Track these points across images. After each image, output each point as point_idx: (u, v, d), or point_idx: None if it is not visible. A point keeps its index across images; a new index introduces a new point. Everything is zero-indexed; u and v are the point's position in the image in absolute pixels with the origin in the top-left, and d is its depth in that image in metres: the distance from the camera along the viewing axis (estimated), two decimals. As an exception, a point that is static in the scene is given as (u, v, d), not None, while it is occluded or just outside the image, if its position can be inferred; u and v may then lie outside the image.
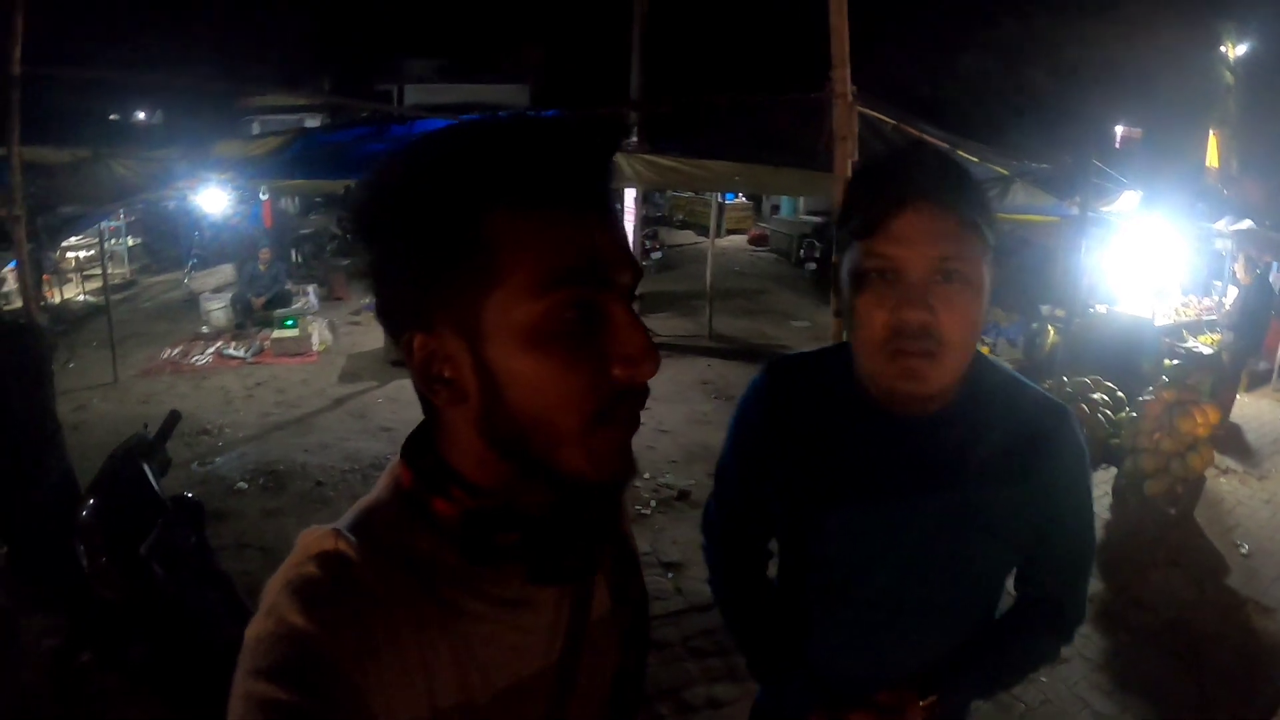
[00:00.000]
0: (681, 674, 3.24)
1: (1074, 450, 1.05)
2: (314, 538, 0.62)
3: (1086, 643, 3.61)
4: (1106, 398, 5.92)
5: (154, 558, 2.20)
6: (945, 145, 4.18)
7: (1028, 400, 1.06)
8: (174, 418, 2.73)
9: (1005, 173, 4.93)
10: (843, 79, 2.98)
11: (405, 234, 0.59)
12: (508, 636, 0.66)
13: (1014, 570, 1.13)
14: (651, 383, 0.63)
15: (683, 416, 6.40)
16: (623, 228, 0.64)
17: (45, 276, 8.23)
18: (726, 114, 4.83)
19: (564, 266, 0.58)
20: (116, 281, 10.66)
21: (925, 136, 3.76)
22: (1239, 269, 8.48)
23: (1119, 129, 20.29)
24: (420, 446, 0.68)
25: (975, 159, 4.60)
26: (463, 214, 0.58)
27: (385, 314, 0.64)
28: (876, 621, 1.07)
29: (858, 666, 1.10)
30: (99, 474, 2.42)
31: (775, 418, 1.11)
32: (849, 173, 3.11)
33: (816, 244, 13.84)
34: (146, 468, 2.43)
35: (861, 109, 3.22)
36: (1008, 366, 1.11)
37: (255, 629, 0.58)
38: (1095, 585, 4.10)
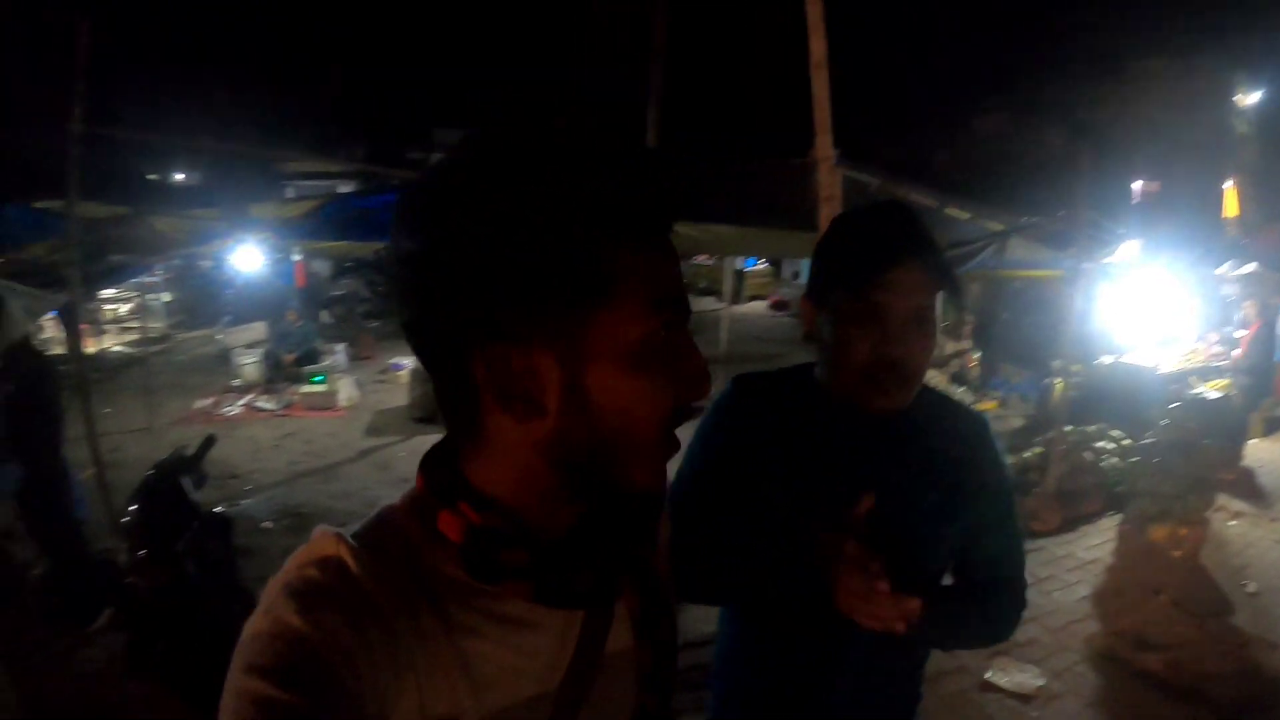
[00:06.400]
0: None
1: (996, 450, 1.28)
2: (319, 541, 0.64)
3: (1080, 681, 3.63)
4: (1113, 445, 5.99)
5: (187, 555, 2.51)
6: (933, 203, 4.40)
7: (959, 407, 1.32)
8: (209, 441, 3.09)
9: (1001, 228, 5.07)
10: (825, 144, 3.22)
11: (516, 255, 0.58)
12: (505, 656, 0.65)
13: (952, 561, 1.30)
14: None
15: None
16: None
17: (82, 326, 8.64)
18: (718, 179, 5.03)
19: (663, 292, 0.63)
20: (153, 335, 11.09)
21: (911, 195, 3.98)
22: (1249, 310, 8.49)
23: (1136, 184, 20.46)
24: (439, 459, 0.69)
25: (965, 215, 4.77)
26: (582, 244, 0.59)
27: (451, 328, 0.62)
28: None
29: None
30: (141, 483, 2.74)
31: (747, 422, 1.28)
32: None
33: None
34: (184, 480, 2.75)
35: (846, 171, 3.45)
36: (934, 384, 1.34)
37: (252, 626, 0.59)
38: (1093, 626, 4.13)
